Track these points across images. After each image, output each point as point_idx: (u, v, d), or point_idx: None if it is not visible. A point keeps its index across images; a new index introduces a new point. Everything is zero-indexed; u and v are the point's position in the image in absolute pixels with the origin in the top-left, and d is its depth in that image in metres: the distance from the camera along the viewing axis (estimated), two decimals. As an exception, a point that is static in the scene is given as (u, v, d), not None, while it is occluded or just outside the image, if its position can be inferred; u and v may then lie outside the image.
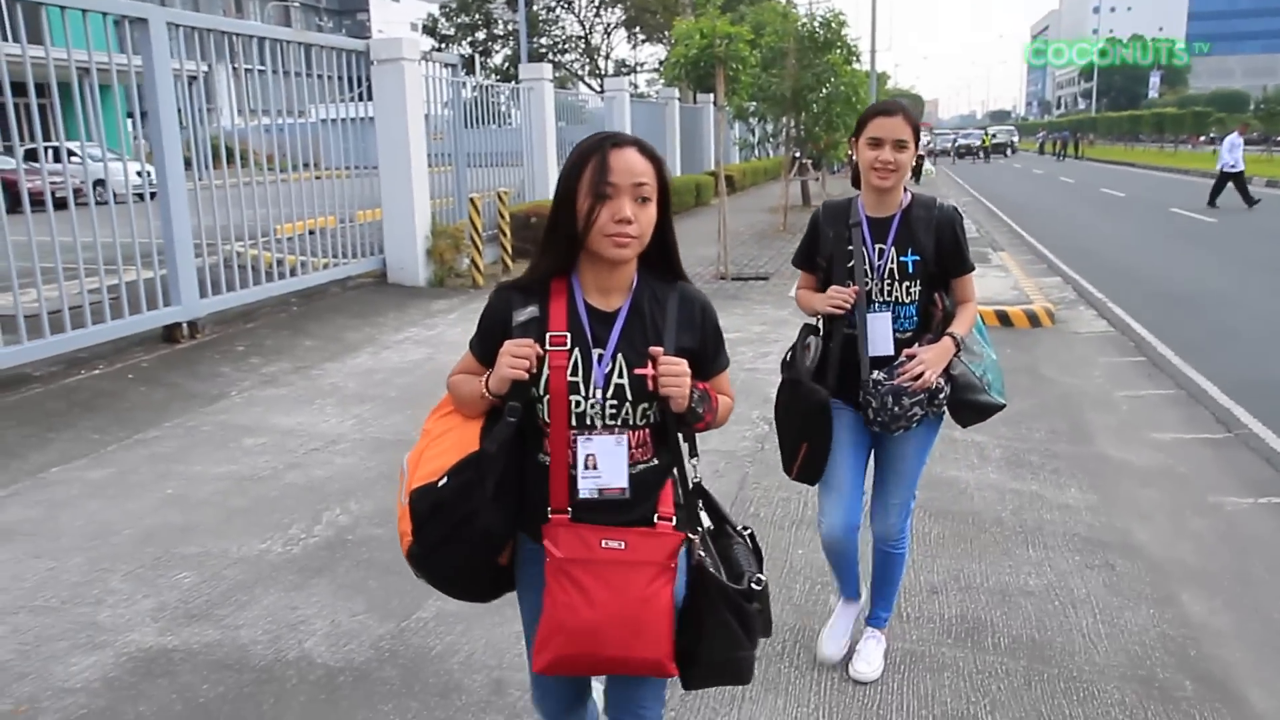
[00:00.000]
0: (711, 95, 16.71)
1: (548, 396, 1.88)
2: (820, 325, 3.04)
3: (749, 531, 2.10)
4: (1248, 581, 4.09)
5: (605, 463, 1.89)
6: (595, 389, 1.88)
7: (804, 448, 2.91)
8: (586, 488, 1.89)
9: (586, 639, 1.84)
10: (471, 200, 11.77)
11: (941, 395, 2.89)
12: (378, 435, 5.82)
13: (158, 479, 5.02)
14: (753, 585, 1.96)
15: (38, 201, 6.78)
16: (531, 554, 1.97)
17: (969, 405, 2.96)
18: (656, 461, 1.96)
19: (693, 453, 2.01)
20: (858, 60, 18.26)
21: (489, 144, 13.64)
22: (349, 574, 3.97)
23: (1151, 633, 3.58)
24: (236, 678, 3.19)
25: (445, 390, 2.11)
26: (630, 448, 1.91)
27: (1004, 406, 3.01)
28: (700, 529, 1.99)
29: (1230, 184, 21.39)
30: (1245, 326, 9.22)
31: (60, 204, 6.86)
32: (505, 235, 12.23)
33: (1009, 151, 64.44)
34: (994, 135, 65.80)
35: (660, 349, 1.89)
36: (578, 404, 1.88)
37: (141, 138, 8.30)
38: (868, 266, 2.89)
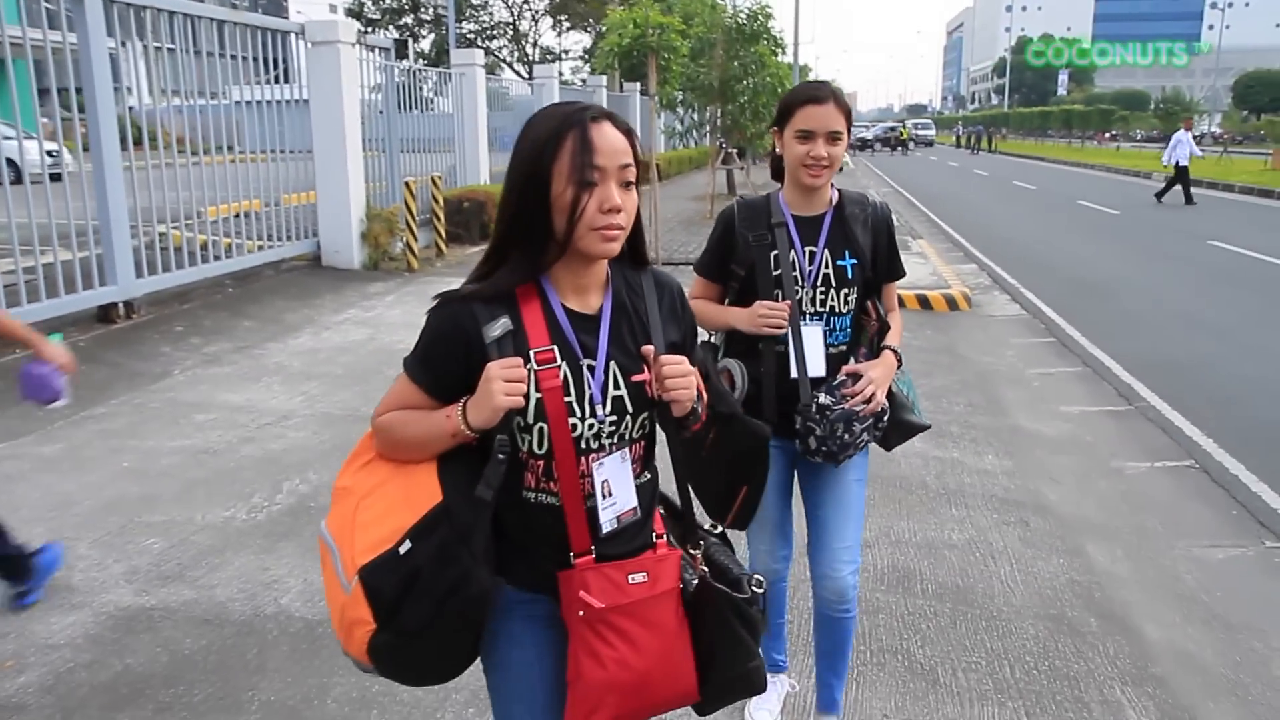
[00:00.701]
0: (638, 84, 16.94)
1: (541, 424, 1.60)
2: (720, 343, 2.67)
3: (719, 528, 1.90)
4: (1144, 534, 4.52)
5: (618, 485, 1.68)
6: (594, 406, 1.63)
7: (743, 491, 2.17)
8: (608, 519, 1.65)
9: (639, 692, 1.65)
10: (406, 184, 11.81)
11: (885, 417, 2.54)
12: (327, 410, 5.93)
13: (111, 453, 5.07)
14: (754, 589, 1.76)
15: None
16: (523, 608, 1.70)
17: (900, 426, 2.63)
18: (649, 476, 1.77)
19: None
20: (783, 52, 18.69)
21: (420, 129, 13.65)
22: (316, 537, 4.11)
23: (1061, 579, 3.96)
24: (218, 632, 3.34)
25: (388, 378, 1.86)
26: (631, 463, 1.70)
27: (929, 427, 2.77)
28: (695, 540, 1.81)
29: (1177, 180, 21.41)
30: (1145, 310, 9.85)
31: None
32: (439, 219, 12.32)
33: (930, 145, 66.53)
34: (912, 128, 67.52)
35: (651, 348, 1.65)
36: (574, 427, 1.61)
37: (55, 118, 8.03)
38: (797, 273, 2.50)
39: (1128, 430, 6.09)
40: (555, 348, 1.61)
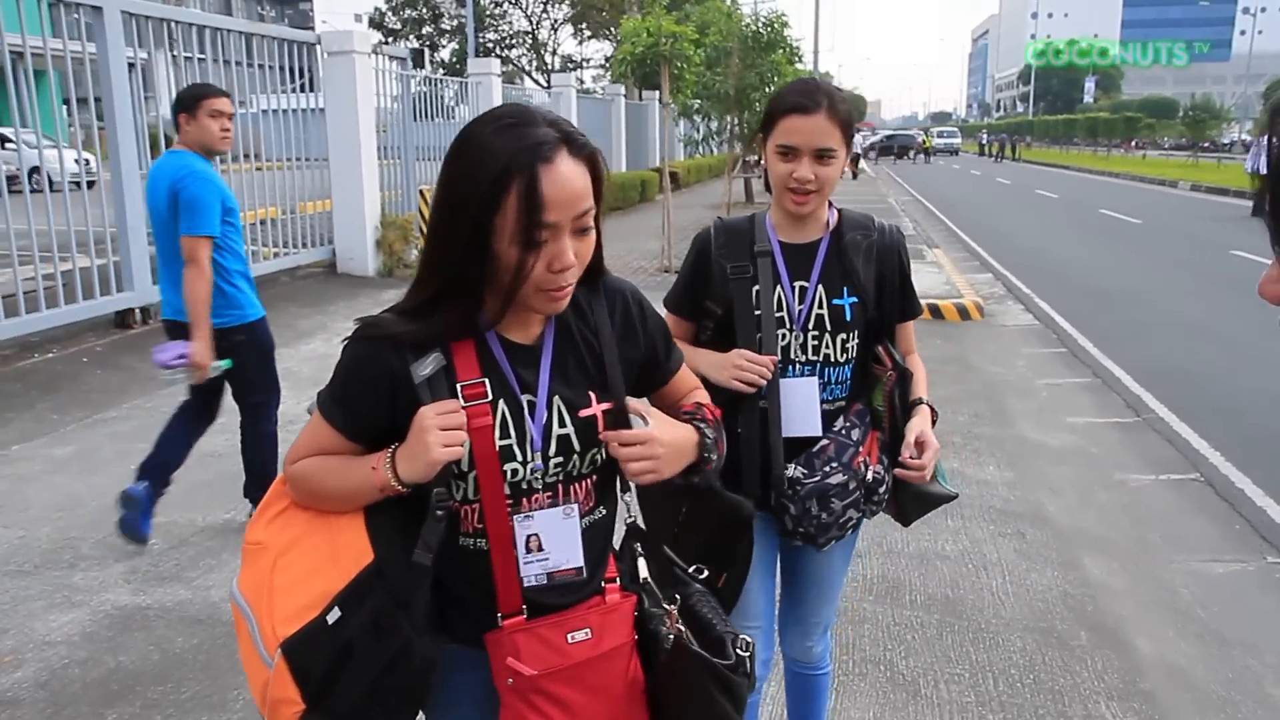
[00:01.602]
0: (657, 92, 17.00)
1: (473, 472, 1.42)
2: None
3: (704, 573, 1.66)
4: (1144, 547, 4.50)
5: (553, 540, 1.47)
6: (533, 451, 1.44)
7: (722, 577, 1.75)
8: (531, 574, 1.46)
9: None
10: (421, 192, 11.93)
11: (883, 489, 2.12)
12: (334, 416, 5.99)
13: (119, 456, 5.16)
14: (739, 651, 1.50)
15: None
16: (463, 665, 1.50)
17: (921, 498, 2.20)
18: (604, 511, 1.57)
19: (624, 485, 1.60)
20: (800, 60, 18.69)
21: (436, 137, 13.78)
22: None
23: (1054, 591, 3.95)
24: (209, 631, 3.40)
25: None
26: (579, 509, 1.50)
27: (956, 496, 2.29)
28: (670, 594, 1.58)
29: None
30: (1159, 320, 9.77)
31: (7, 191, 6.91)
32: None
33: (956, 154, 66.05)
34: (936, 136, 67.26)
35: (614, 434, 1.45)
36: (515, 472, 1.43)
37: (78, 126, 8.28)
38: (785, 314, 2.07)
39: (1134, 442, 6.06)
40: (486, 381, 1.41)
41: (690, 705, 1.51)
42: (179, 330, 4.02)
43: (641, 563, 1.60)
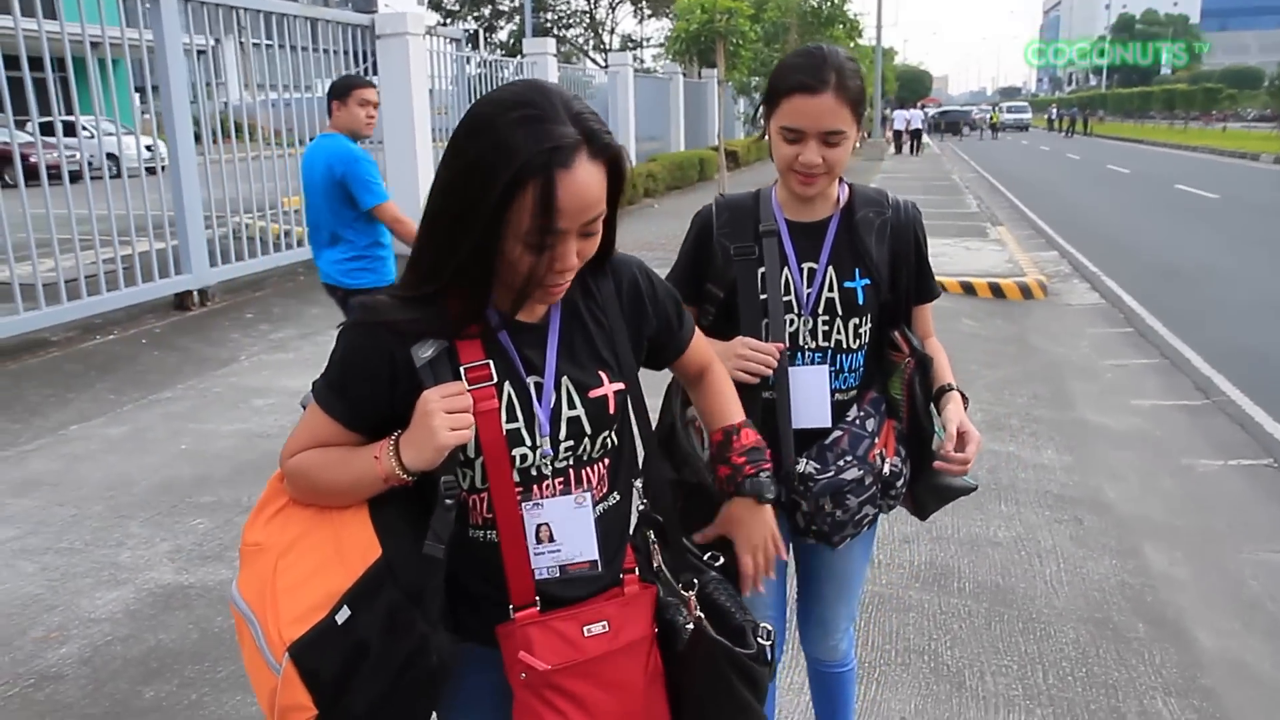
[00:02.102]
0: (715, 70, 16.80)
1: (480, 458, 1.36)
2: None
3: (719, 560, 1.61)
4: (1209, 536, 4.30)
5: (565, 531, 1.41)
6: (541, 436, 1.38)
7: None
8: (543, 566, 1.40)
9: None
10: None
11: (900, 483, 2.01)
12: (382, 397, 6.04)
13: (172, 436, 5.25)
14: (760, 639, 1.48)
15: (53, 175, 6.99)
16: (475, 664, 1.43)
17: (939, 490, 2.06)
18: (617, 496, 1.50)
19: (635, 471, 1.57)
20: (860, 36, 18.32)
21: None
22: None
23: (1111, 581, 3.79)
24: (249, 612, 3.42)
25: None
26: (592, 496, 1.44)
27: (976, 488, 2.15)
28: (688, 579, 1.53)
29: None
30: (1233, 299, 9.37)
31: (74, 177, 7.10)
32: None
33: (1026, 129, 64.19)
34: (1004, 112, 65.59)
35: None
36: (524, 457, 1.37)
37: (152, 113, 8.48)
38: (792, 298, 1.95)
39: (1202, 425, 5.80)
40: (490, 363, 1.35)
41: (710, 695, 1.46)
42: (334, 292, 4.53)
43: (655, 550, 1.55)
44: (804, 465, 1.93)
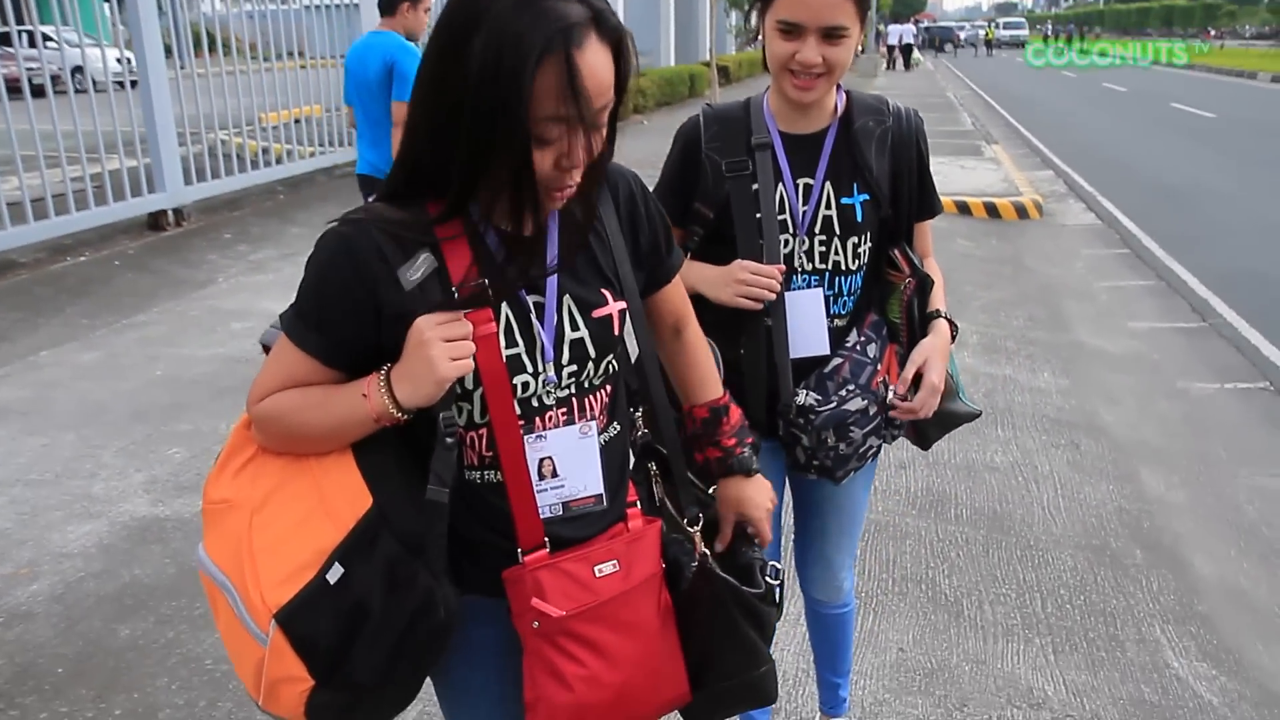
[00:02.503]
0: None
1: (478, 389, 1.23)
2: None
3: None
4: (1206, 460, 4.23)
5: (568, 463, 1.30)
6: (544, 361, 1.26)
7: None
8: (545, 504, 1.29)
9: (616, 710, 1.32)
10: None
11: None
12: (364, 321, 5.88)
13: (147, 361, 5.10)
14: (768, 579, 1.43)
15: (15, 89, 6.67)
16: (478, 617, 1.32)
17: (941, 418, 1.90)
18: (618, 427, 1.39)
19: (633, 401, 1.47)
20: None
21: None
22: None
23: (1108, 506, 3.73)
24: (227, 543, 3.33)
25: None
26: (596, 426, 1.33)
27: (980, 414, 2.03)
28: (693, 514, 1.46)
29: None
30: (1232, 220, 9.23)
31: (38, 91, 6.77)
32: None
33: (1022, 47, 62.83)
34: (1000, 28, 64.33)
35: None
36: (525, 385, 1.25)
37: (121, 24, 8.11)
38: (788, 216, 1.79)
39: (1199, 348, 5.72)
40: (485, 281, 1.18)
41: (715, 635, 1.39)
42: (370, 185, 4.75)
43: (657, 482, 1.48)
44: (803, 397, 1.80)
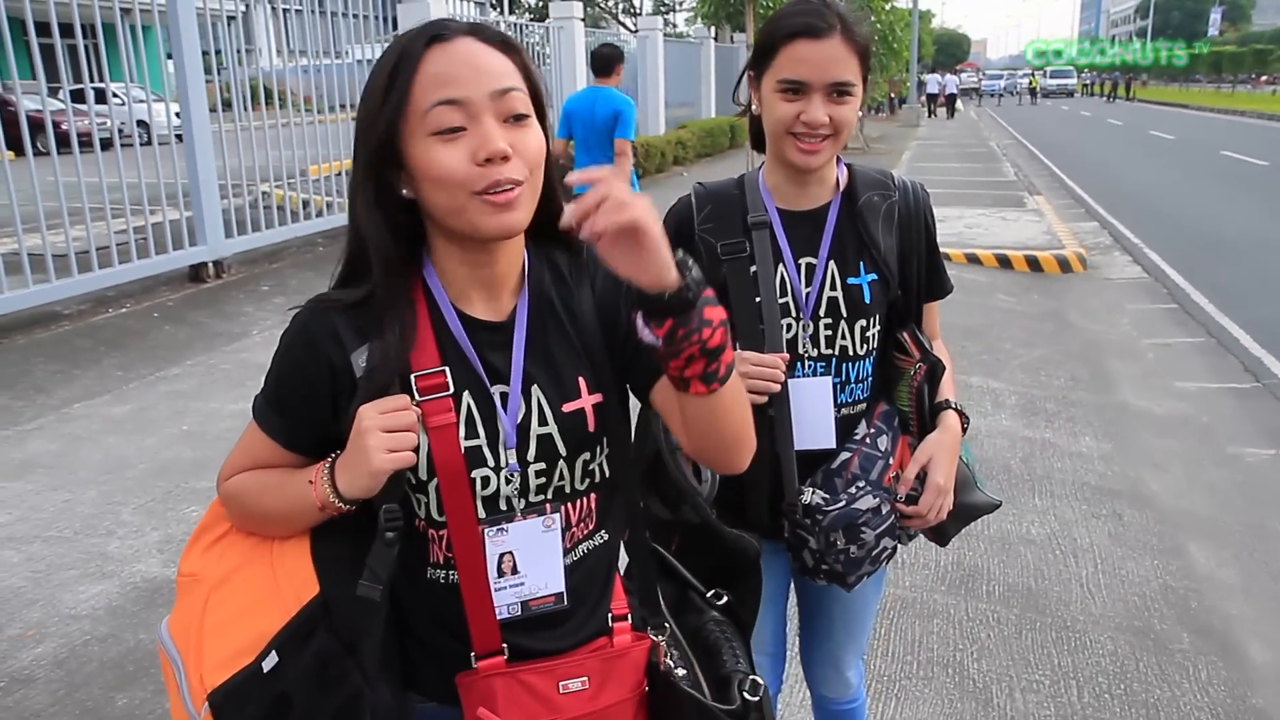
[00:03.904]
0: (745, 35, 16.37)
1: (434, 480, 1.17)
2: None
3: (724, 600, 1.42)
4: (1261, 534, 4.03)
5: (528, 558, 1.21)
6: (507, 451, 1.19)
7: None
8: (504, 604, 1.21)
9: None
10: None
11: None
12: (393, 375, 5.87)
13: (174, 415, 5.11)
14: (746, 694, 1.26)
15: (84, 143, 6.87)
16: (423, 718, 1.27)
17: (961, 511, 1.76)
18: (605, 536, 1.29)
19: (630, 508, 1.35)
20: (896, -3, 17.78)
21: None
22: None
23: (1153, 584, 3.54)
24: (236, 609, 3.27)
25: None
26: (571, 525, 1.24)
27: (1000, 505, 1.87)
28: (658, 621, 1.33)
29: None
30: (1285, 274, 8.96)
31: (105, 145, 6.99)
32: (532, 176, 12.24)
33: (1071, 95, 62.09)
34: (1046, 76, 64.04)
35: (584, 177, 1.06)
36: (486, 480, 1.18)
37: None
38: (790, 299, 1.68)
39: (1252, 411, 5.49)
40: (446, 370, 1.15)
41: None
42: None
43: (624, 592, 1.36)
44: (810, 495, 1.66)
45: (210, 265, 8.00)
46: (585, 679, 1.23)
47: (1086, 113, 42.46)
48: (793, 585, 1.94)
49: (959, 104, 40.46)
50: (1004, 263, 9.02)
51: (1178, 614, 3.34)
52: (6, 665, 2.94)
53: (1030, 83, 57.34)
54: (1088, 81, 65.01)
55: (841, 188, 1.72)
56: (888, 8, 17.49)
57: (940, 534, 1.83)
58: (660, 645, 1.30)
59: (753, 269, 1.66)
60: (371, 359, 1.15)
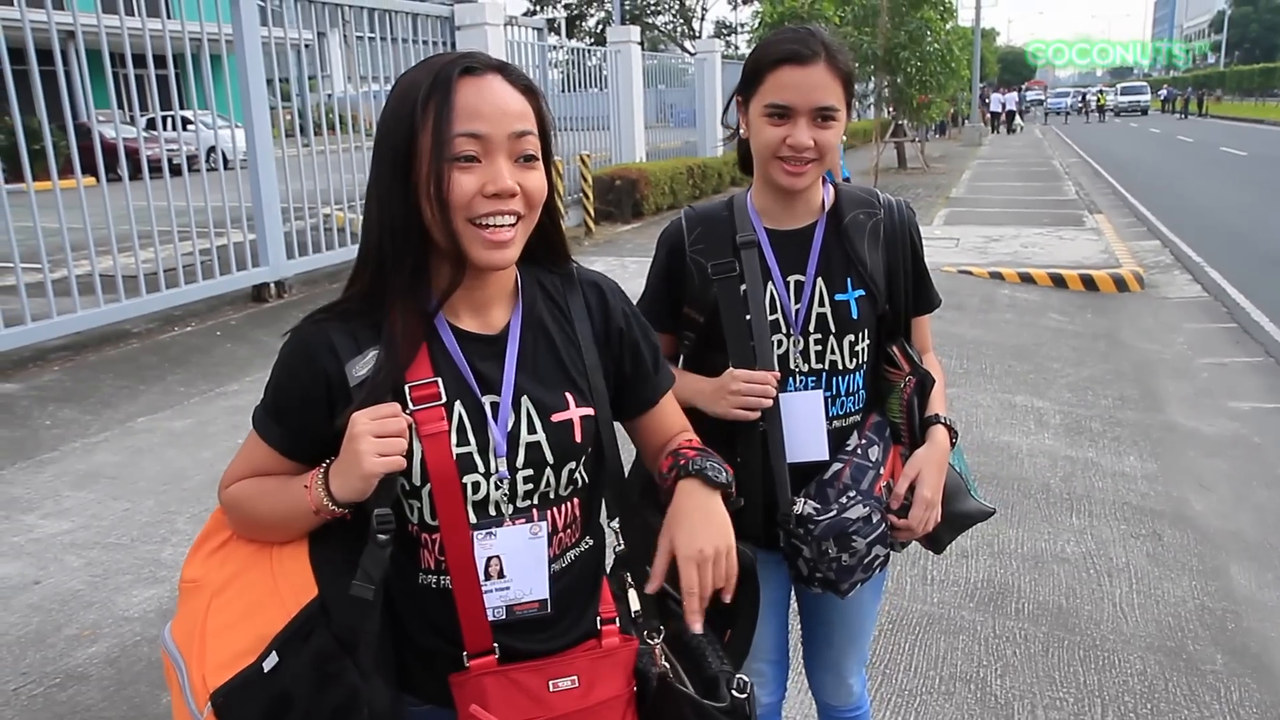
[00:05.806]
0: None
1: (427, 486, 1.23)
2: None
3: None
4: (1307, 557, 3.93)
5: (515, 563, 1.27)
6: (497, 459, 1.25)
7: (726, 634, 1.46)
8: (490, 607, 1.26)
9: None
10: (581, 158, 12.11)
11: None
12: (441, 392, 6.03)
13: (231, 430, 5.32)
14: (734, 693, 1.31)
15: (157, 168, 7.23)
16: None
17: (954, 519, 1.82)
18: (590, 542, 1.38)
19: (610, 512, 1.42)
20: (953, 18, 17.68)
21: (577, 108, 13.84)
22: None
23: (1189, 604, 3.49)
24: (278, 613, 3.41)
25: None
26: (558, 531, 1.31)
27: (994, 513, 1.92)
28: (654, 625, 1.39)
29: None
30: (1354, 293, 8.69)
31: (177, 170, 7.37)
32: (588, 198, 12.40)
33: (1145, 113, 59.87)
34: (1118, 93, 62.46)
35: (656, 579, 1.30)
36: (476, 485, 1.24)
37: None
38: (779, 316, 1.74)
39: (1307, 432, 5.36)
40: (439, 380, 1.23)
41: None
42: None
43: (632, 595, 1.41)
44: (802, 505, 1.71)
45: (272, 285, 8.31)
46: (575, 678, 1.28)
47: (1156, 130, 41.52)
48: (794, 601, 2.00)
49: (1020, 120, 40.01)
50: (1058, 282, 8.91)
51: (1213, 635, 3.29)
52: (64, 662, 3.11)
53: (1099, 100, 56.15)
54: (1165, 97, 62.61)
55: (827, 207, 1.78)
56: (947, 28, 17.37)
57: (935, 542, 1.87)
58: (657, 649, 1.36)
59: (743, 288, 1.73)
60: (366, 369, 1.23)
